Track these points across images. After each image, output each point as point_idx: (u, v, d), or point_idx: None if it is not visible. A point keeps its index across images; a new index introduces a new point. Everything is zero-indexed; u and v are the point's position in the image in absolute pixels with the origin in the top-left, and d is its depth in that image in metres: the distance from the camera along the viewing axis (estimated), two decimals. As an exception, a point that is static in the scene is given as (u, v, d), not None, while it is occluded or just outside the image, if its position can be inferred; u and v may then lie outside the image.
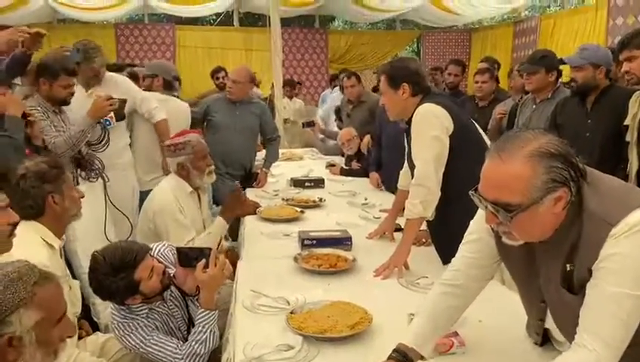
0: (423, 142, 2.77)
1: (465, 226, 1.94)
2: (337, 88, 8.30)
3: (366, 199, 4.56)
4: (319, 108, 9.04)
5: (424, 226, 3.13)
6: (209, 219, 3.82)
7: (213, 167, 3.72)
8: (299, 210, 4.17)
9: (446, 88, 6.47)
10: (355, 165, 5.89)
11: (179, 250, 2.62)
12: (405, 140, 3.11)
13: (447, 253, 2.20)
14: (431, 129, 2.74)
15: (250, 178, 5.24)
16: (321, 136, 7.37)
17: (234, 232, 4.18)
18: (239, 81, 5.00)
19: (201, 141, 3.66)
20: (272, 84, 8.71)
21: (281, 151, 6.02)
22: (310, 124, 7.40)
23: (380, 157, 5.04)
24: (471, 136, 2.90)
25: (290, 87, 9.71)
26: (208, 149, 3.72)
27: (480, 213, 1.83)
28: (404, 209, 2.96)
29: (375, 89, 8.20)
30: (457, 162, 2.78)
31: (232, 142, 5.06)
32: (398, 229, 3.44)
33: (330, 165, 6.10)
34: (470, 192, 1.61)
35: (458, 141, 2.80)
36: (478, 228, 1.88)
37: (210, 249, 2.57)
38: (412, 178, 2.88)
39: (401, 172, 3.47)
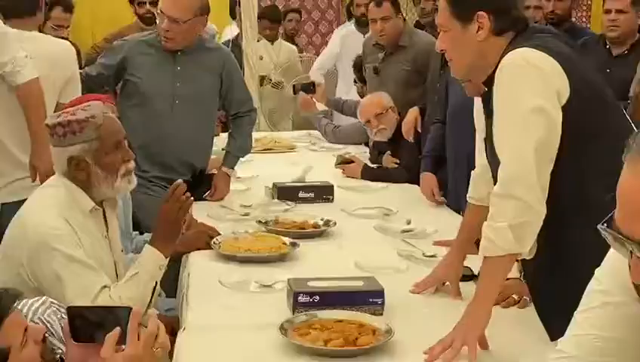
0: (515, 117, 2.17)
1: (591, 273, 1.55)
2: (352, 22, 6.33)
3: (409, 222, 3.48)
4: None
5: (516, 272, 2.44)
6: (124, 258, 2.84)
7: (133, 163, 2.74)
8: (288, 241, 3.12)
9: (547, 22, 4.89)
10: (388, 160, 4.46)
11: (72, 312, 2.01)
12: (482, 117, 2.46)
13: (559, 322, 1.79)
14: (529, 94, 2.14)
15: (200, 183, 3.92)
16: (325, 109, 5.71)
17: (170, 282, 3.13)
18: (180, 18, 3.58)
19: (110, 116, 2.72)
20: (239, 16, 6.45)
21: (256, 135, 4.71)
22: (308, 88, 5.75)
23: (440, 147, 3.88)
24: (603, 106, 2.25)
25: (272, 20, 6.74)
26: (124, 132, 2.76)
27: (613, 259, 1.47)
28: (478, 240, 2.32)
29: (421, 25, 6.10)
30: (579, 155, 2.17)
31: (168, 124, 3.76)
32: (468, 277, 2.66)
33: (344, 161, 4.58)
34: (600, 227, 1.30)
35: (579, 116, 2.15)
36: (611, 286, 1.50)
37: (128, 309, 1.97)
38: (495, 183, 2.25)
39: (473, 173, 2.67)
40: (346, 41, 6.21)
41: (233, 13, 6.96)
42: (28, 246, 2.49)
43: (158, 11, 3.62)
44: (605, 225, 1.34)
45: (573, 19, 5.03)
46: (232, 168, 3.96)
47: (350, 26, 6.40)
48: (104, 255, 2.64)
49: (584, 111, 2.14)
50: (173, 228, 2.67)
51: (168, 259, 2.70)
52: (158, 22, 3.64)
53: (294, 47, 7.06)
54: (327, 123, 5.46)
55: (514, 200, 2.09)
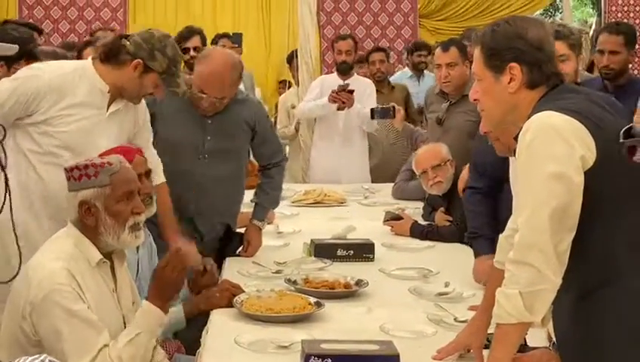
0: (533, 182, 2.05)
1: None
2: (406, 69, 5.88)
3: (447, 285, 3.07)
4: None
5: (545, 341, 2.22)
6: (133, 311, 2.48)
7: (143, 216, 2.42)
8: (313, 300, 2.75)
9: (602, 79, 4.26)
10: (441, 217, 3.99)
11: None
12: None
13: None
14: (550, 160, 2.01)
15: (230, 240, 3.54)
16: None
17: (195, 340, 2.75)
18: (227, 95, 3.31)
19: (127, 166, 2.46)
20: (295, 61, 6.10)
21: (306, 187, 4.43)
22: (387, 112, 5.08)
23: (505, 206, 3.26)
24: (633, 169, 1.99)
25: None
26: (139, 185, 2.46)
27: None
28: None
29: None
30: (605, 225, 2.04)
31: (195, 179, 3.37)
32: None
33: (393, 218, 4.12)
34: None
35: (605, 183, 2.02)
36: None
37: None
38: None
39: (500, 236, 2.46)
40: (324, 83, 5.60)
41: None
42: (31, 299, 2.33)
43: (200, 93, 3.27)
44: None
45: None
46: (263, 220, 3.62)
47: (403, 73, 6.06)
48: (111, 310, 2.45)
49: (612, 175, 1.99)
50: (171, 289, 2.49)
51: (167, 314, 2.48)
52: (196, 94, 3.25)
53: None
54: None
55: (527, 267, 1.97)
